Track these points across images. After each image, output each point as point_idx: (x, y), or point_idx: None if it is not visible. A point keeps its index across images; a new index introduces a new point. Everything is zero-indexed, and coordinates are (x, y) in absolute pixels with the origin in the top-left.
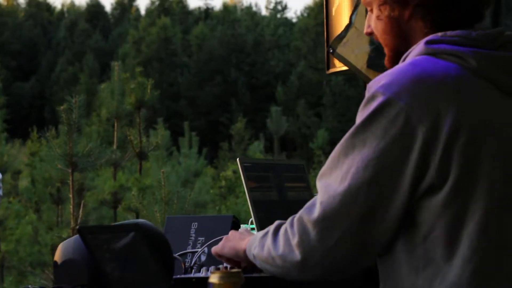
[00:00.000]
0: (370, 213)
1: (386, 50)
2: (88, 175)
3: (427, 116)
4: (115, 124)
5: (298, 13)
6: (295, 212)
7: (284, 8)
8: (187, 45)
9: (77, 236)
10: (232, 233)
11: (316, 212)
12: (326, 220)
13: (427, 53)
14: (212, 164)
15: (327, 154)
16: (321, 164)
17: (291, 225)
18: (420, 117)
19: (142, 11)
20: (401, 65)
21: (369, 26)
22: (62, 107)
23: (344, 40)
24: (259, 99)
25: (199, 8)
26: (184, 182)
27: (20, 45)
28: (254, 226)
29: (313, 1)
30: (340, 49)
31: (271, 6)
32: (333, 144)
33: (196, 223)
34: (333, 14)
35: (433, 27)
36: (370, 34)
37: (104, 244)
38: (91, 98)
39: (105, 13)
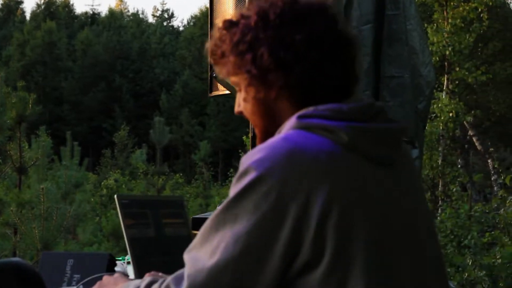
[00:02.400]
0: None
1: (256, 131)
2: None
3: (299, 193)
4: None
5: (185, 22)
6: (172, 249)
7: (171, 16)
8: (72, 50)
9: None
10: (106, 278)
11: (184, 285)
12: None
13: (299, 127)
14: (94, 172)
15: (208, 165)
16: (202, 175)
17: None
18: (292, 194)
19: (28, 14)
20: (274, 139)
21: (239, 105)
22: None
23: None
24: (143, 107)
25: (86, 13)
26: (64, 194)
27: None
28: (131, 262)
29: (199, 10)
30: None
31: (158, 13)
32: (215, 155)
33: (72, 260)
34: None
35: (299, 107)
36: (241, 113)
37: None
38: None
39: None
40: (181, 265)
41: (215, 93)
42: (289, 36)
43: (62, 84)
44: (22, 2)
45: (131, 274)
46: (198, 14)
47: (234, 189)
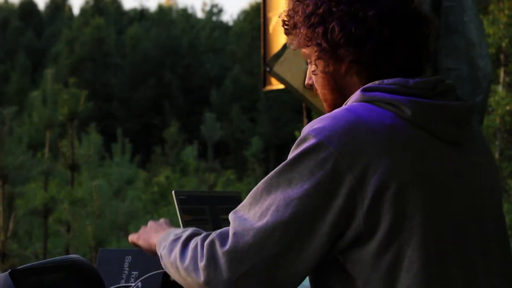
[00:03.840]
0: (282, 253)
1: (324, 105)
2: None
3: (357, 164)
4: (47, 134)
5: (234, 16)
6: None
7: (220, 11)
8: (121, 46)
9: (6, 274)
10: (150, 223)
11: (229, 242)
12: (236, 252)
13: (363, 100)
14: (144, 168)
15: (260, 161)
16: (254, 171)
17: (202, 246)
18: (349, 165)
19: (76, 10)
20: (337, 110)
21: (310, 78)
22: None
23: (281, 59)
24: (193, 103)
25: (134, 8)
26: (116, 191)
27: None
28: None
29: (249, 5)
30: (277, 68)
31: (207, 8)
32: (266, 151)
33: (129, 256)
34: (270, 32)
35: (368, 82)
36: (311, 86)
37: (37, 286)
38: (22, 98)
39: (38, 11)
40: None
41: (268, 87)
42: (362, 12)
43: (112, 80)
44: None
45: None
46: (248, 8)
47: (291, 154)
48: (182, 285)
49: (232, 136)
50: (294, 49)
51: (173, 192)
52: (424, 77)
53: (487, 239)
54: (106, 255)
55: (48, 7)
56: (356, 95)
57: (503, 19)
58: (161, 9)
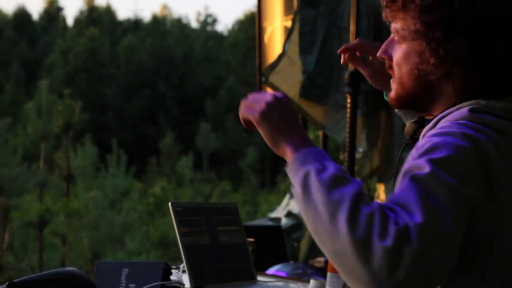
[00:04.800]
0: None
1: (394, 86)
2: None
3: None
4: (42, 145)
5: (229, 26)
6: (227, 256)
7: (215, 21)
8: (115, 56)
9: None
10: (269, 98)
11: (420, 217)
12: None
13: (473, 120)
14: (139, 179)
15: (255, 172)
16: (250, 182)
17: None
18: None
19: (70, 21)
20: (451, 137)
21: (386, 51)
22: None
23: (277, 69)
24: (188, 113)
25: (129, 19)
26: (111, 202)
27: None
28: (186, 271)
29: (243, 15)
30: (272, 78)
31: (201, 18)
32: (262, 161)
33: (126, 268)
34: (266, 42)
35: (461, 95)
36: (383, 59)
37: None
38: (16, 109)
39: (32, 21)
40: (237, 272)
41: None
42: (487, 39)
43: (106, 91)
44: (62, 9)
45: (187, 283)
46: (243, 18)
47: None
48: (320, 246)
49: (228, 146)
50: (272, 83)
51: (169, 204)
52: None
53: None
54: (103, 267)
55: (42, 17)
56: (462, 113)
57: None
58: (155, 19)
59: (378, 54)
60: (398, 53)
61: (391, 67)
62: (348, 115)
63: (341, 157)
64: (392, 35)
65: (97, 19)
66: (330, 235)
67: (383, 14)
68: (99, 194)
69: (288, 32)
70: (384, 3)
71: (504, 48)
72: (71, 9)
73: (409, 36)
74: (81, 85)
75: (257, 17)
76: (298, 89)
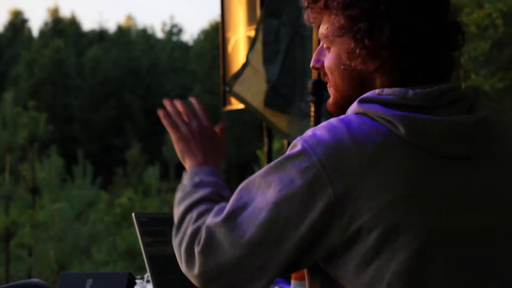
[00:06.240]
0: (248, 255)
1: (332, 92)
2: None
3: (338, 179)
4: (7, 157)
5: (195, 36)
6: None
7: (180, 31)
8: (81, 68)
9: None
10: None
11: (222, 215)
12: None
13: (358, 112)
14: (106, 190)
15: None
16: None
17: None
18: (330, 179)
19: (36, 32)
20: (333, 119)
21: (318, 60)
22: None
23: (241, 78)
24: (154, 123)
25: (93, 30)
26: (78, 214)
27: None
28: (150, 281)
29: (209, 24)
30: (236, 88)
31: (167, 28)
32: (228, 170)
33: (91, 279)
34: (230, 52)
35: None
36: (317, 68)
37: None
38: None
39: None
40: None
41: (229, 107)
42: (411, 19)
43: (72, 102)
44: (27, 21)
45: None
46: (208, 28)
47: (279, 157)
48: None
49: None
50: (236, 93)
51: (133, 214)
52: (432, 86)
53: (493, 256)
54: (68, 278)
55: (7, 29)
56: (354, 105)
57: None
58: (120, 30)
59: (311, 65)
60: (329, 58)
61: (326, 74)
62: (312, 123)
63: None
64: (321, 43)
65: (62, 30)
66: None
67: (305, 16)
68: (66, 205)
69: (252, 42)
70: (306, 4)
71: (430, 30)
72: (36, 20)
73: (334, 34)
74: (47, 97)
75: (220, 28)
76: (262, 99)
